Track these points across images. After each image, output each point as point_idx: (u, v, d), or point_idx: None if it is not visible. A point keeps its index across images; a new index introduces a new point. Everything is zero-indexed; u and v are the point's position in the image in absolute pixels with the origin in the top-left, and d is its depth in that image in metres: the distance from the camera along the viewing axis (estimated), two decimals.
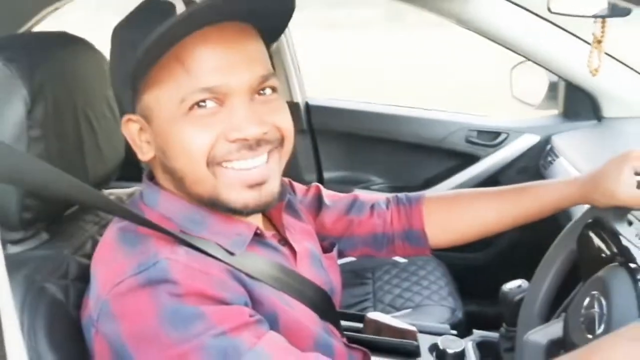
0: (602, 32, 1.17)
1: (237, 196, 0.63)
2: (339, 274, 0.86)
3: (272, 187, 0.65)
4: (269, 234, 0.73)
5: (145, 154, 0.66)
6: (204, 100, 0.60)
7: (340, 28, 8.02)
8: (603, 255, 0.79)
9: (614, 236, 0.80)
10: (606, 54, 1.35)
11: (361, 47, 7.18)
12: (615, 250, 0.78)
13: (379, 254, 0.94)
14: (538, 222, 0.90)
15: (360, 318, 1.18)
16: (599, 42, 1.18)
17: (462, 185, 1.81)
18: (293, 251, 0.75)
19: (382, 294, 1.54)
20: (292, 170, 1.90)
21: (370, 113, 1.90)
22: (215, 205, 0.64)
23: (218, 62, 0.59)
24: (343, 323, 1.28)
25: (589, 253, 0.83)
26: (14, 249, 0.73)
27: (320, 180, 1.93)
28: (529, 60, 1.64)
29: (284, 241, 0.75)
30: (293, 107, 1.88)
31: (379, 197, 0.95)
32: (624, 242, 0.78)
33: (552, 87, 1.74)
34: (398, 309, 1.47)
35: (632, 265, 0.72)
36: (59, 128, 0.71)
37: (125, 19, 0.65)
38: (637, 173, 0.80)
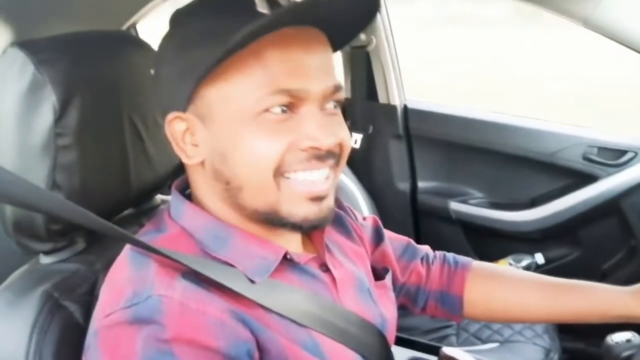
0: None
1: (298, 209, 0.58)
2: (393, 304, 0.78)
3: (330, 202, 0.61)
4: (306, 257, 0.65)
5: (191, 157, 0.60)
6: (283, 105, 0.56)
7: (467, 24, 7.67)
8: None
9: None
10: None
11: (479, 46, 6.83)
12: None
13: (415, 310, 0.89)
14: None
15: (435, 350, 1.08)
16: None
17: (576, 208, 1.61)
18: (335, 278, 0.68)
19: (468, 321, 1.41)
20: (384, 177, 1.86)
21: (473, 120, 1.74)
22: (269, 221, 0.59)
23: (298, 65, 0.56)
24: (415, 354, 1.19)
25: None
26: (45, 260, 0.70)
27: (414, 189, 1.82)
28: None
29: (326, 267, 0.67)
30: (389, 110, 1.79)
31: (427, 249, 0.91)
32: None
33: None
34: (483, 342, 1.33)
35: None
36: (98, 134, 0.68)
37: (194, 7, 0.60)
38: None
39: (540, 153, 1.65)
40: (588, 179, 1.60)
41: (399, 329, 1.34)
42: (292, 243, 0.66)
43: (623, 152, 1.56)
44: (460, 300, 0.85)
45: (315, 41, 0.58)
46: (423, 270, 0.87)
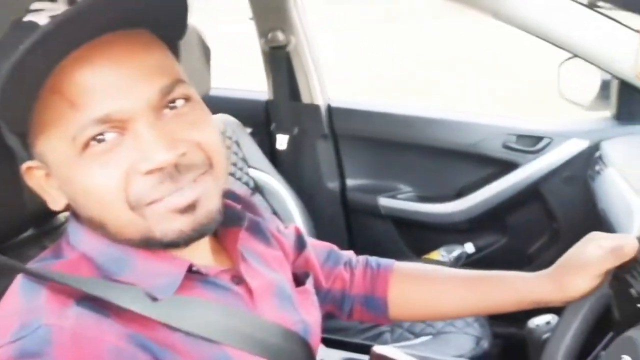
0: None
1: (170, 226, 0.53)
2: (317, 308, 0.75)
3: (209, 205, 0.54)
4: (215, 269, 0.61)
5: (57, 202, 0.56)
6: (101, 134, 0.50)
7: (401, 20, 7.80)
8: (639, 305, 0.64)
9: None
10: None
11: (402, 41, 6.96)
12: None
13: (342, 316, 0.87)
14: None
15: (368, 349, 1.06)
16: None
17: (500, 195, 1.65)
18: (251, 289, 0.64)
19: None
20: (312, 177, 1.84)
21: (397, 116, 1.76)
22: (148, 246, 0.55)
23: (106, 84, 0.49)
24: (347, 355, 1.17)
25: (623, 300, 0.68)
26: None
27: (343, 187, 1.82)
28: (577, 56, 1.46)
29: (239, 278, 0.63)
30: (313, 109, 1.78)
31: (351, 254, 0.89)
32: None
33: (605, 85, 1.53)
34: (417, 335, 1.34)
35: None
36: None
37: None
38: None
39: (463, 144, 1.67)
40: (509, 166, 1.63)
41: (333, 329, 1.33)
42: (200, 255, 0.61)
43: (539, 139, 1.60)
44: (385, 302, 0.84)
45: (127, 46, 0.51)
46: (347, 275, 0.85)
